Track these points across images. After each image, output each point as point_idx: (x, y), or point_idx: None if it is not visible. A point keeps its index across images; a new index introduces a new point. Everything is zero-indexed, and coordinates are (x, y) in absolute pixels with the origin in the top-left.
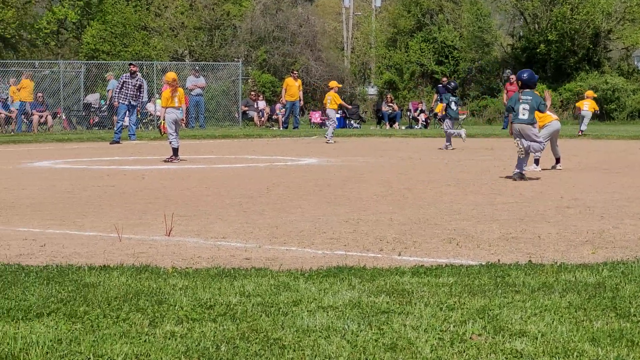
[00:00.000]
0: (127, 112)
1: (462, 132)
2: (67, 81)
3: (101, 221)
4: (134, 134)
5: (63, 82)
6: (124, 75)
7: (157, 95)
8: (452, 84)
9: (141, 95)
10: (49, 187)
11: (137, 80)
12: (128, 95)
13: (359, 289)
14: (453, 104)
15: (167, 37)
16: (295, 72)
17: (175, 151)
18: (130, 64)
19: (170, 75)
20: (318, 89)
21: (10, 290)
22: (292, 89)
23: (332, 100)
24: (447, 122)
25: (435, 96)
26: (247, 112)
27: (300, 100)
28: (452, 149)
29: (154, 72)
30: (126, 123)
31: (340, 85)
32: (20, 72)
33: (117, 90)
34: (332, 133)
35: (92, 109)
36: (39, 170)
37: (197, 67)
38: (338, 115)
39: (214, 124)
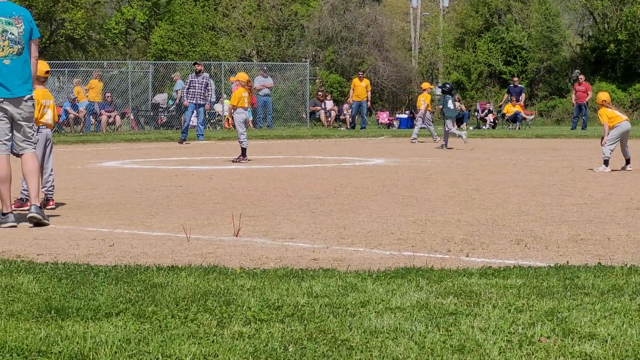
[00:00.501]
0: (195, 112)
1: (463, 133)
2: (135, 81)
3: (169, 221)
4: (201, 134)
5: (131, 82)
6: (191, 75)
7: (224, 96)
8: (448, 85)
9: (208, 94)
10: (117, 187)
11: (203, 79)
12: (195, 94)
13: (427, 290)
14: (450, 103)
15: (234, 38)
16: (362, 72)
17: (244, 151)
18: (195, 63)
19: (244, 76)
20: (385, 89)
21: (80, 290)
22: (359, 89)
23: (424, 101)
24: (447, 123)
25: (505, 96)
26: (315, 112)
27: (367, 100)
28: (449, 148)
29: (222, 72)
30: (194, 123)
31: (432, 87)
32: (89, 72)
33: (185, 90)
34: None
35: (160, 109)
36: (108, 171)
37: (264, 68)
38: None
39: (282, 124)
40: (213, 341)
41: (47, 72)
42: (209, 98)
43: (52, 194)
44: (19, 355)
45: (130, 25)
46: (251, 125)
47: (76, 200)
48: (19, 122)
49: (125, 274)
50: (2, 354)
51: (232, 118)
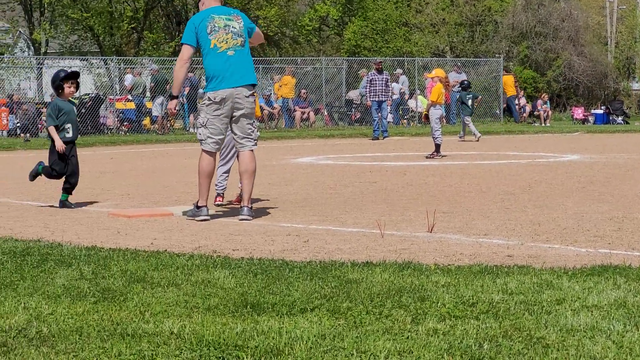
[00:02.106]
0: (378, 109)
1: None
2: (328, 77)
3: (363, 217)
4: (385, 130)
5: (325, 79)
6: (371, 72)
7: (418, 92)
8: (466, 82)
9: (389, 90)
10: (311, 183)
11: (384, 76)
12: (377, 91)
13: (625, 288)
14: (469, 100)
15: (428, 33)
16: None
17: (438, 147)
18: (375, 62)
19: (442, 72)
20: (581, 85)
21: (275, 285)
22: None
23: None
24: (466, 118)
25: None
26: (507, 108)
27: (517, 95)
28: (463, 140)
29: (415, 68)
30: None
31: None
32: (283, 68)
33: (367, 88)
34: None
35: (353, 105)
36: (302, 166)
37: (458, 64)
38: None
39: (475, 120)
40: (407, 337)
41: None
42: (390, 95)
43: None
44: (216, 349)
45: (324, 21)
46: (444, 121)
47: (271, 196)
48: (240, 117)
49: (320, 270)
50: (199, 348)
51: (428, 114)
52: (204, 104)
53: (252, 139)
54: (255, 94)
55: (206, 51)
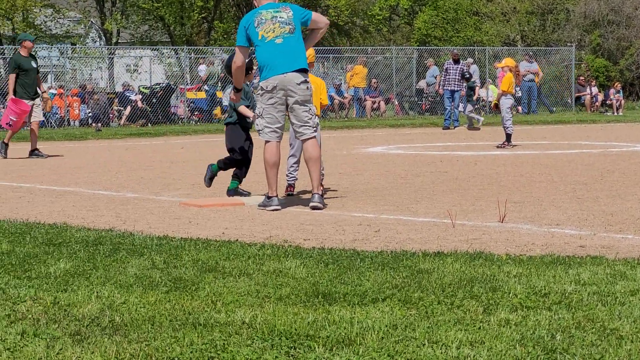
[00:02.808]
0: (451, 98)
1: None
2: (399, 67)
3: (434, 207)
4: (457, 120)
5: (395, 68)
6: (447, 62)
7: (489, 81)
8: (467, 75)
9: (462, 80)
10: (382, 172)
11: (459, 66)
12: (450, 80)
13: None
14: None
15: (498, 22)
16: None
17: (509, 137)
18: (452, 52)
19: (513, 61)
20: None
21: (346, 275)
22: None
23: None
24: (469, 106)
25: None
26: (580, 97)
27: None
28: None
29: (486, 57)
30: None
31: None
32: (353, 58)
33: (442, 76)
34: None
35: (424, 95)
36: (373, 156)
37: (529, 53)
38: None
39: (546, 110)
40: (479, 328)
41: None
42: (463, 85)
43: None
44: (287, 339)
45: (394, 11)
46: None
47: (342, 186)
48: (294, 105)
49: (391, 260)
50: (271, 337)
51: (499, 103)
52: (259, 94)
53: (310, 126)
54: (308, 81)
55: (256, 44)
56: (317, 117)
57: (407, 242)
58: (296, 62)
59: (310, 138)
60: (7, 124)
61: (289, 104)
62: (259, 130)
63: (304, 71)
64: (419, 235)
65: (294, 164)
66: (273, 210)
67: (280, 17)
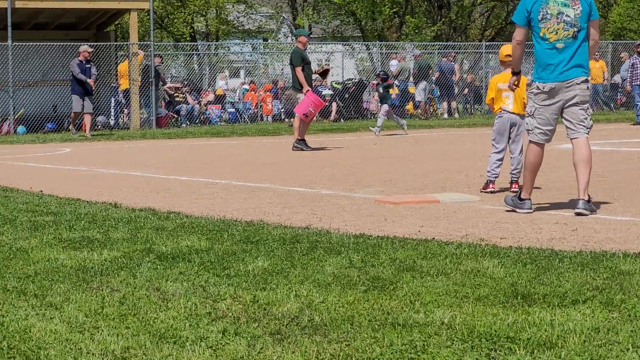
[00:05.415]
0: None
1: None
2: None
3: (632, 205)
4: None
5: None
6: (633, 56)
7: None
8: (382, 74)
9: None
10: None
11: None
12: (638, 75)
13: None
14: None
15: None
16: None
17: None
18: (636, 45)
19: None
20: None
21: (545, 276)
22: (593, 70)
23: None
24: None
25: None
26: None
27: (604, 80)
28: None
29: None
30: None
31: None
32: None
33: (630, 72)
34: None
35: (619, 89)
36: (567, 152)
37: None
38: None
39: None
40: None
41: (507, 55)
42: None
43: (516, 177)
44: (487, 341)
45: None
46: None
47: (536, 183)
48: (572, 105)
49: (590, 260)
50: (470, 339)
51: None
52: (532, 92)
53: (584, 126)
54: (588, 80)
55: (536, 39)
56: (524, 115)
57: (606, 241)
58: (577, 70)
59: (582, 138)
60: (304, 114)
61: (567, 104)
62: (528, 130)
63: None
64: (617, 234)
65: (497, 160)
66: (525, 213)
67: (566, 16)
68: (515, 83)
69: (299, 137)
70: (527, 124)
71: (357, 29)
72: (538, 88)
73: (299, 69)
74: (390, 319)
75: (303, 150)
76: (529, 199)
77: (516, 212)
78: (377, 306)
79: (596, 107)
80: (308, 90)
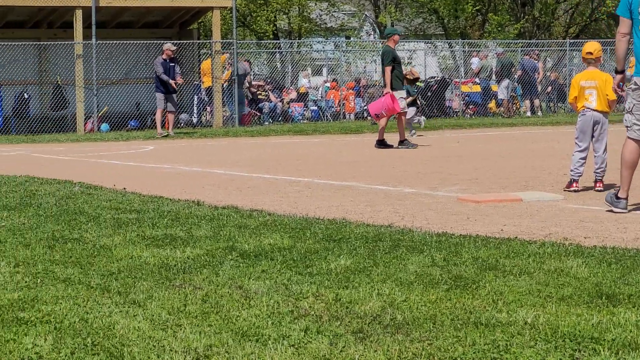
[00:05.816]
0: None
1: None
2: None
3: None
4: None
5: None
6: None
7: None
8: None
9: None
10: None
11: None
12: None
13: None
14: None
15: None
16: None
17: None
18: None
19: None
20: None
21: (630, 276)
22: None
23: None
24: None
25: None
26: None
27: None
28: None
29: None
30: None
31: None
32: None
33: None
34: None
35: None
36: None
37: None
38: None
39: None
40: None
41: (588, 52)
42: None
43: (601, 176)
44: (571, 341)
45: None
46: None
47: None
48: None
49: None
50: (554, 339)
51: None
52: (631, 88)
53: None
54: None
55: (637, 33)
56: (607, 114)
57: None
58: None
59: None
60: (375, 114)
61: None
62: (627, 126)
63: None
64: None
65: (580, 159)
66: (619, 212)
67: None
68: (621, 83)
69: (379, 138)
70: (625, 120)
71: (440, 26)
72: (636, 84)
73: (388, 69)
74: (473, 318)
75: (408, 148)
76: (626, 198)
77: (613, 211)
78: (459, 305)
79: None
80: (389, 93)
